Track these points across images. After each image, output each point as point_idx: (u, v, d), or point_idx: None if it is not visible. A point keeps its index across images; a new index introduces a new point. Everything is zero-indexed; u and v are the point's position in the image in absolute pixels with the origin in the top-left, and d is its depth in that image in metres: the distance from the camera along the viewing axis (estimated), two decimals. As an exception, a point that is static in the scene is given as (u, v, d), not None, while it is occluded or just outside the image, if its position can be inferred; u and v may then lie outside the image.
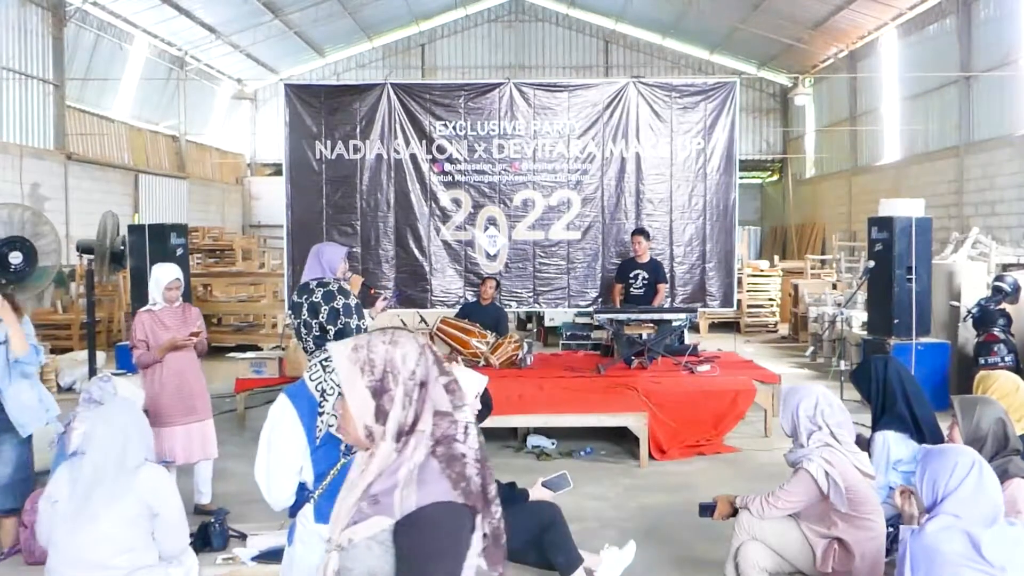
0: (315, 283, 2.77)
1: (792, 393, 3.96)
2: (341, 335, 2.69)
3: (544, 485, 4.26)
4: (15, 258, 6.81)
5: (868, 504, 3.73)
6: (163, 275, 5.49)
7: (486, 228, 9.65)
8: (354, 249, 9.48)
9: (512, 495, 4.08)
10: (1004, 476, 3.60)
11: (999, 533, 2.69)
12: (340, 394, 1.74)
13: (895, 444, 4.15)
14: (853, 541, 3.66)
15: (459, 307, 9.36)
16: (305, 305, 2.71)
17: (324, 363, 2.65)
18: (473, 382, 4.02)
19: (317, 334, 2.70)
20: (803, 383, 4.29)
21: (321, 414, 2.57)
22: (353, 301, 2.76)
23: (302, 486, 2.62)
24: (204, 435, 5.50)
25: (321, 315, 2.69)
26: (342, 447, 2.58)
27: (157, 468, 3.46)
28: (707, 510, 4.14)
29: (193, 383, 5.53)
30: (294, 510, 2.65)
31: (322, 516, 2.60)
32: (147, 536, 3.37)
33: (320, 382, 2.61)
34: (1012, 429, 3.73)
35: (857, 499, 3.69)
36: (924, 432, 4.17)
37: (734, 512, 4.01)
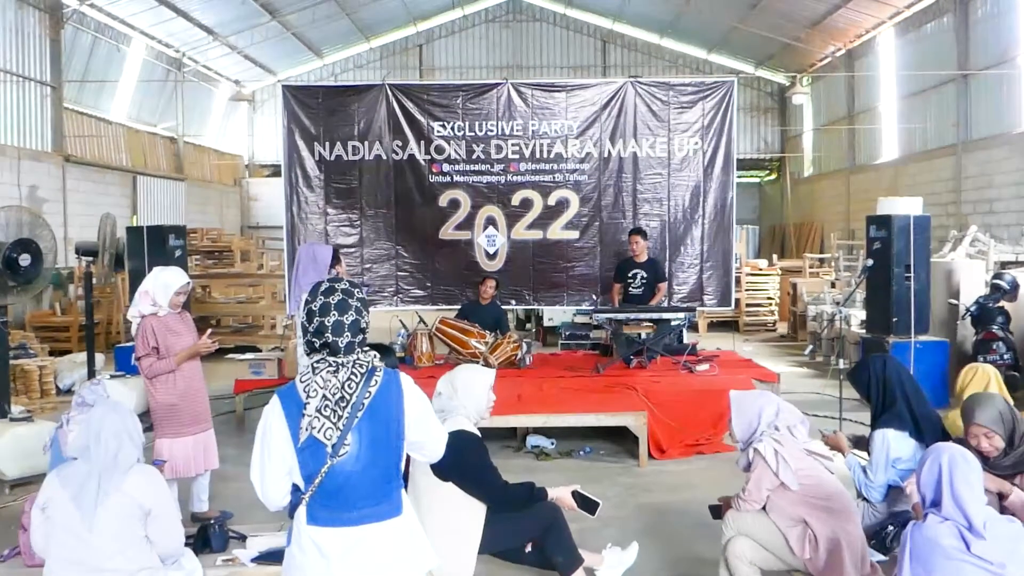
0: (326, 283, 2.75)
1: (751, 400, 4.05)
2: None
3: (578, 493, 4.14)
4: (24, 260, 6.82)
5: (824, 486, 3.81)
6: (173, 279, 5.13)
7: (485, 228, 9.65)
8: (353, 250, 9.50)
9: (531, 495, 4.06)
10: None
11: (999, 530, 2.69)
12: None
13: (895, 442, 4.15)
14: (820, 524, 3.72)
15: (458, 307, 9.36)
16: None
17: (315, 365, 2.62)
18: (484, 378, 4.10)
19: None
20: (752, 393, 4.57)
21: (304, 416, 2.54)
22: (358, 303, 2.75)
23: (297, 487, 2.61)
24: (208, 445, 5.32)
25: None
26: (328, 450, 2.54)
27: (147, 467, 3.45)
28: (716, 511, 4.20)
29: (201, 390, 5.34)
30: (292, 511, 2.64)
31: (314, 518, 2.58)
32: (144, 537, 3.37)
33: (308, 384, 2.58)
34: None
35: (811, 481, 3.78)
36: (923, 429, 4.18)
37: (739, 511, 4.05)
